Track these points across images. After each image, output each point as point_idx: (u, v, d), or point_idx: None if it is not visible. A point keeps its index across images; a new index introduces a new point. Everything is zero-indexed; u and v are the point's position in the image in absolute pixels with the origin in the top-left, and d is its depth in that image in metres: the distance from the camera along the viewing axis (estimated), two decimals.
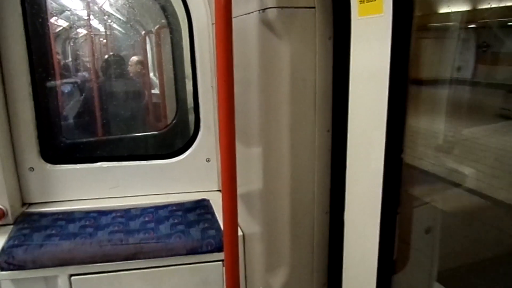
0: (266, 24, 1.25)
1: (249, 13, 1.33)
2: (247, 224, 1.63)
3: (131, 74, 2.60)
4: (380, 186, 1.04)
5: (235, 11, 1.19)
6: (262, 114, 1.37)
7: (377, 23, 0.98)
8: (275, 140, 1.34)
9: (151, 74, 2.71)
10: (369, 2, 1.01)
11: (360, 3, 1.04)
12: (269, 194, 1.42)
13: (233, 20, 1.18)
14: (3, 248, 1.58)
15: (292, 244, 1.42)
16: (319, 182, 1.38)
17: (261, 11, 1.24)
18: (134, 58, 2.62)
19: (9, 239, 1.65)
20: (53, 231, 1.71)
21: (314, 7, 1.21)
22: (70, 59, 2.84)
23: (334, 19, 1.25)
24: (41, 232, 1.69)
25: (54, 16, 2.19)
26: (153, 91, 2.66)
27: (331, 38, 1.26)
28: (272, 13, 1.20)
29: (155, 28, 2.38)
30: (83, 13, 2.53)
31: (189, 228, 1.72)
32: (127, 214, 1.87)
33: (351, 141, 1.15)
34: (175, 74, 2.27)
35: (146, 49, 2.63)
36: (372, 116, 1.03)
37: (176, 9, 2.08)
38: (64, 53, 2.78)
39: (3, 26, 1.75)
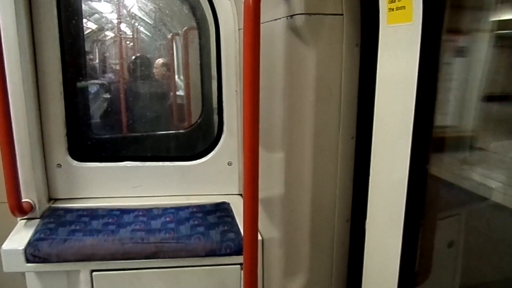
0: (293, 30, 1.25)
1: (276, 19, 1.34)
2: (266, 228, 1.63)
3: (156, 76, 2.65)
4: (404, 196, 1.02)
5: (263, 17, 1.20)
6: (286, 119, 1.37)
7: (406, 31, 0.97)
8: (298, 146, 1.34)
9: (176, 76, 2.75)
10: (398, 10, 1.00)
11: (389, 11, 1.03)
12: (290, 200, 1.42)
13: (261, 25, 1.20)
14: (29, 241, 1.64)
15: (312, 250, 1.41)
16: (341, 189, 1.37)
17: (289, 17, 1.25)
18: (160, 60, 2.68)
19: (36, 232, 1.70)
20: (77, 227, 1.76)
21: (342, 14, 1.21)
22: (98, 60, 2.92)
23: (361, 26, 1.25)
24: (66, 227, 1.74)
25: (84, 18, 2.26)
26: (178, 93, 2.71)
27: (358, 45, 1.26)
28: (300, 20, 1.21)
29: (183, 29, 2.43)
30: (112, 16, 2.61)
31: (209, 230, 1.74)
32: (148, 213, 1.91)
33: (375, 149, 1.14)
34: (201, 75, 2.30)
35: (172, 51, 2.68)
36: (398, 125, 1.02)
37: (205, 13, 2.11)
38: (93, 54, 2.86)
39: (40, 27, 1.82)
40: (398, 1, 0.99)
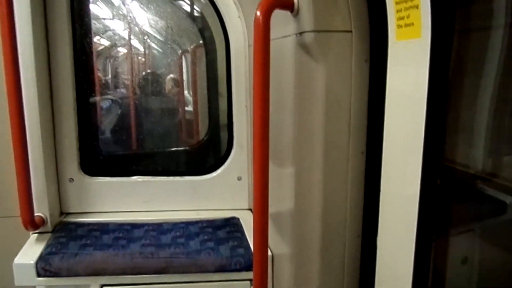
0: (302, 47, 1.27)
1: (286, 36, 1.36)
2: (276, 244, 1.62)
3: (166, 92, 2.69)
4: (416, 212, 1.02)
5: (272, 34, 1.22)
6: (295, 134, 1.38)
7: (415, 47, 0.98)
8: (308, 161, 1.34)
9: (185, 92, 2.79)
10: (407, 26, 1.01)
11: (398, 28, 1.04)
12: (300, 215, 1.42)
13: (271, 42, 1.22)
14: (41, 255, 1.65)
15: (322, 266, 1.40)
16: (351, 204, 1.36)
17: (298, 34, 1.27)
18: (170, 76, 2.72)
19: (47, 246, 1.72)
20: (88, 241, 1.77)
21: (351, 31, 1.23)
22: (109, 76, 2.98)
23: (370, 42, 1.26)
24: (77, 242, 1.76)
25: (97, 35, 2.32)
26: (187, 108, 2.74)
27: (367, 61, 1.27)
28: (309, 37, 1.22)
29: (192, 47, 2.47)
30: (124, 33, 2.67)
31: (219, 245, 1.73)
32: (159, 228, 1.91)
33: (386, 164, 1.14)
34: (208, 92, 2.33)
35: (182, 68, 2.73)
36: (408, 140, 1.02)
37: (214, 31, 2.15)
38: (105, 70, 2.92)
39: (55, 45, 1.87)
40: (407, 18, 1.00)
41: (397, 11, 1.03)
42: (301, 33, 1.26)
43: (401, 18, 1.02)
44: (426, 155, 0.98)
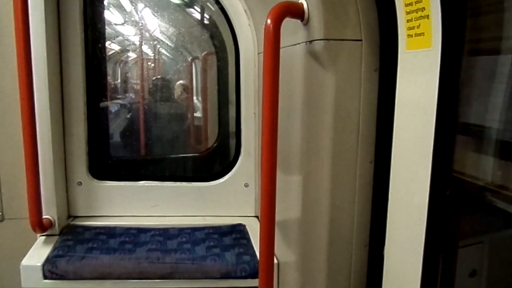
0: (312, 55, 1.28)
1: (296, 44, 1.37)
2: (282, 252, 1.62)
3: (176, 98, 2.71)
4: (424, 223, 1.01)
5: (282, 42, 1.23)
6: (303, 142, 1.38)
7: (425, 57, 0.98)
8: (316, 169, 1.34)
9: (195, 98, 2.81)
10: (417, 36, 1.01)
11: (408, 37, 1.04)
12: (307, 224, 1.41)
13: (281, 50, 1.22)
14: (48, 257, 1.66)
15: (329, 275, 1.39)
16: (359, 213, 1.35)
17: (308, 42, 1.28)
18: (180, 82, 2.74)
19: (54, 249, 1.73)
20: (95, 245, 1.78)
21: (361, 40, 1.23)
22: (119, 81, 3.02)
23: (380, 51, 1.27)
24: (84, 245, 1.76)
25: (109, 41, 2.35)
26: (196, 115, 2.75)
27: (377, 70, 1.27)
28: (319, 45, 1.23)
29: (202, 54, 2.49)
30: (135, 39, 2.70)
31: (224, 252, 1.73)
32: (165, 233, 1.92)
33: (395, 173, 1.13)
34: (218, 99, 2.34)
35: (191, 74, 2.75)
36: (417, 150, 1.02)
37: (224, 38, 2.17)
38: (115, 75, 2.96)
39: (67, 50, 1.90)
40: (417, 27, 1.00)
41: (408, 21, 1.03)
42: (311, 42, 1.26)
43: (412, 28, 1.02)
44: (435, 166, 0.98)
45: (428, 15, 0.95)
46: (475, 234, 1.25)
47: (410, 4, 1.01)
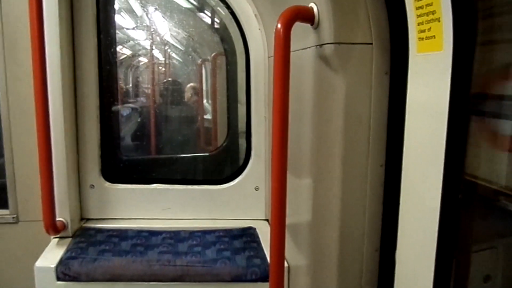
0: (322, 59, 1.28)
1: (306, 48, 1.37)
2: (293, 255, 1.61)
3: (186, 100, 2.74)
4: (436, 227, 1.00)
5: (293, 46, 1.23)
6: (314, 146, 1.38)
7: (436, 60, 0.97)
8: (326, 173, 1.34)
9: (204, 101, 2.83)
10: (428, 39, 1.01)
11: (419, 40, 1.04)
12: (317, 227, 1.41)
13: (291, 54, 1.23)
14: (61, 259, 1.68)
15: (339, 279, 1.38)
16: (370, 217, 1.35)
17: (318, 46, 1.28)
18: (190, 85, 2.77)
19: (67, 251, 1.75)
20: (107, 247, 1.80)
21: (371, 43, 1.23)
22: (131, 84, 3.06)
23: (391, 54, 1.26)
24: (96, 247, 1.79)
25: (120, 45, 2.38)
26: (205, 116, 2.78)
27: (387, 73, 1.26)
28: (329, 49, 1.23)
29: (212, 55, 2.52)
30: (147, 43, 2.74)
31: (235, 255, 1.73)
32: (176, 236, 1.93)
33: (406, 177, 1.12)
34: (227, 100, 2.36)
35: (201, 77, 2.77)
36: (429, 153, 1.01)
37: (234, 42, 2.19)
38: (127, 79, 3.00)
39: (81, 55, 1.93)
40: (428, 30, 1.00)
41: (418, 24, 1.03)
42: (321, 45, 1.26)
43: (423, 31, 1.02)
44: (447, 169, 0.97)
45: (439, 18, 0.95)
46: (488, 238, 1.23)
47: (421, 7, 1.00)
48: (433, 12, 0.96)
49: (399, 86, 1.18)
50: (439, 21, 0.95)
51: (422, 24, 1.01)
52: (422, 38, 1.03)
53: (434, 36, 0.98)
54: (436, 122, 0.97)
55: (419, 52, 1.05)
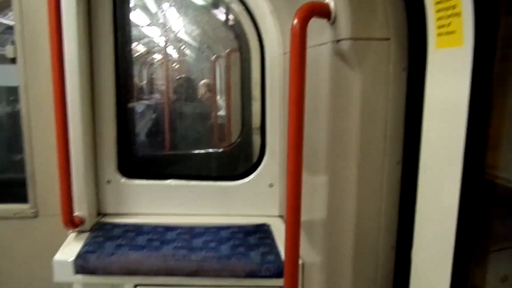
0: (339, 55, 1.27)
1: (322, 44, 1.36)
2: (307, 252, 1.61)
3: (200, 96, 2.76)
4: (454, 226, 0.98)
5: (309, 42, 1.23)
6: (330, 143, 1.37)
7: (456, 55, 0.95)
8: (342, 170, 1.33)
9: (218, 98, 2.85)
10: (448, 34, 0.99)
11: (439, 35, 1.02)
12: (332, 224, 1.40)
13: (307, 50, 1.22)
14: (79, 253, 1.72)
15: (354, 278, 1.38)
16: (386, 215, 1.33)
17: (335, 42, 1.27)
18: (204, 81, 2.78)
19: (85, 245, 1.79)
20: (123, 242, 1.82)
21: (389, 39, 1.21)
22: (145, 81, 3.09)
23: (409, 50, 1.24)
24: (113, 241, 1.81)
25: (135, 42, 2.41)
26: (219, 113, 2.80)
27: (405, 69, 1.25)
28: (346, 45, 1.22)
29: (226, 51, 2.52)
30: (160, 40, 2.76)
31: (249, 251, 1.74)
32: (191, 231, 1.95)
33: (423, 175, 1.11)
34: (242, 96, 2.37)
35: (215, 73, 2.79)
36: (447, 151, 0.99)
37: (249, 38, 2.18)
38: (141, 76, 3.03)
39: (98, 52, 1.96)
40: (448, 25, 0.98)
41: (438, 19, 1.01)
42: (338, 41, 1.25)
43: (442, 26, 1.00)
44: (466, 167, 0.95)
45: (459, 12, 0.93)
46: (507, 238, 1.21)
47: (440, 1, 0.98)
48: (453, 7, 0.94)
49: (417, 83, 1.16)
50: (459, 15, 0.93)
51: (442, 19, 0.99)
52: (442, 33, 1.01)
53: (454, 31, 0.96)
54: (455, 119, 0.95)
55: (438, 47, 1.03)
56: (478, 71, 0.91)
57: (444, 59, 1.00)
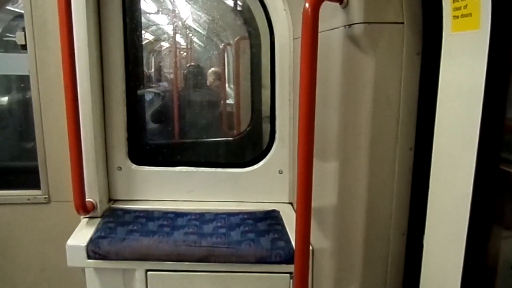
0: (351, 39, 1.25)
1: (334, 29, 1.34)
2: (317, 238, 1.62)
3: (208, 84, 2.75)
4: (467, 213, 0.97)
5: (320, 26, 1.20)
6: (341, 128, 1.36)
7: (472, 39, 0.93)
8: (353, 156, 1.32)
9: (227, 86, 2.84)
10: (464, 17, 0.96)
11: (454, 18, 1.00)
12: (343, 211, 1.40)
13: (318, 34, 1.20)
14: (91, 238, 1.74)
15: (365, 263, 1.38)
16: (397, 201, 1.33)
17: (347, 26, 1.25)
18: (212, 69, 2.77)
19: (97, 230, 1.81)
20: (135, 227, 1.84)
21: (402, 23, 1.19)
22: (154, 69, 3.08)
23: (423, 34, 1.22)
24: (124, 227, 1.84)
25: (144, 29, 2.39)
26: (228, 101, 2.79)
27: (419, 53, 1.22)
28: (359, 29, 1.20)
29: (235, 39, 2.50)
30: (169, 27, 2.74)
31: (259, 237, 1.75)
32: (201, 217, 1.96)
33: (436, 161, 1.09)
34: (252, 84, 2.35)
35: (224, 61, 2.77)
36: (462, 137, 0.98)
37: (259, 24, 2.16)
38: (152, 64, 3.02)
39: (107, 40, 1.96)
40: (464, 8, 0.96)
41: (454, 1, 0.98)
42: (350, 25, 1.23)
43: (458, 8, 0.97)
44: (480, 153, 0.94)
45: None
46: None
47: None
48: None
49: (431, 67, 1.14)
50: None
51: (458, 1, 0.97)
52: (457, 16, 0.98)
53: (470, 13, 0.94)
54: (470, 104, 0.94)
55: (453, 31, 1.00)
56: (495, 55, 0.89)
57: (460, 42, 0.98)
